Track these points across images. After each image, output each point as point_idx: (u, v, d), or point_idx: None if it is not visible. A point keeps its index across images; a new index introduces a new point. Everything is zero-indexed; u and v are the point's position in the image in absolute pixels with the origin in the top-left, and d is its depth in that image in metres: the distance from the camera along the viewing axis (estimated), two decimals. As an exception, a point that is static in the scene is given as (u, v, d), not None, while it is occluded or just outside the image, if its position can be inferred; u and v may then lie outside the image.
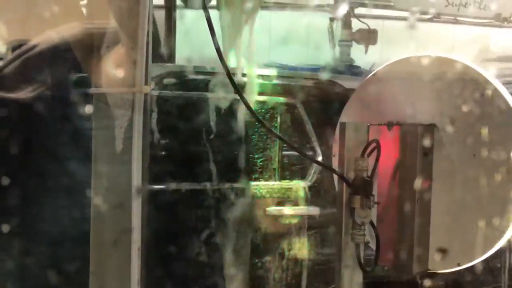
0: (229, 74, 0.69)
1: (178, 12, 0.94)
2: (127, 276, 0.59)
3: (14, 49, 0.75)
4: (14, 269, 0.75)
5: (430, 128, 0.80)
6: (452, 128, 0.78)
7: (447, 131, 0.79)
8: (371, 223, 0.79)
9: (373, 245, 0.78)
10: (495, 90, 0.76)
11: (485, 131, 0.75)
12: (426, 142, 0.80)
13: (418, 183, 0.79)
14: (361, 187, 0.78)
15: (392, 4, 1.17)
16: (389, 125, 0.82)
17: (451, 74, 0.79)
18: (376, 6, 1.21)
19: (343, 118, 0.87)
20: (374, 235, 0.78)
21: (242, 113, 0.94)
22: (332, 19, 1.46)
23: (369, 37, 1.47)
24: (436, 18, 1.23)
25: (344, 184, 0.77)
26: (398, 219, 0.81)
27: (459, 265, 0.77)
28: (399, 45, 0.95)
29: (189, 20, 0.94)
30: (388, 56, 0.84)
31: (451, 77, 0.79)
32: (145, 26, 0.59)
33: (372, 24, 1.30)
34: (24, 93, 0.71)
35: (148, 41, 0.59)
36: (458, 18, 1.23)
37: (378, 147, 0.78)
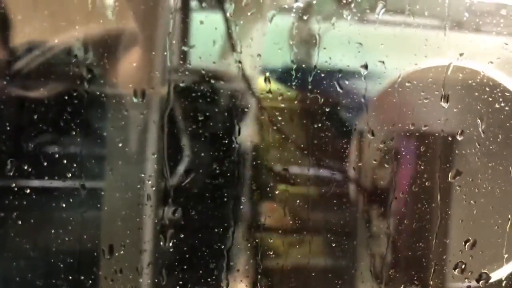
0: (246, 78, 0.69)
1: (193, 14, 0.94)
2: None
3: (28, 50, 0.76)
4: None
5: (452, 138, 0.80)
6: (475, 138, 0.78)
7: (469, 141, 0.78)
8: (388, 234, 0.78)
9: (390, 258, 0.77)
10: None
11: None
12: (448, 151, 0.79)
13: (437, 194, 0.78)
14: (379, 196, 0.77)
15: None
16: (409, 133, 0.81)
17: (475, 84, 0.78)
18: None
19: (361, 125, 0.86)
20: (390, 247, 0.77)
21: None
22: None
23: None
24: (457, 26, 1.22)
25: (360, 194, 0.77)
26: (416, 232, 0.80)
27: (477, 281, 0.77)
28: (419, 52, 0.94)
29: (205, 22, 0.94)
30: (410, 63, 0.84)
31: (475, 87, 0.78)
32: (163, 28, 0.59)
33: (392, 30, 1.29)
34: (43, 93, 0.72)
35: (167, 42, 0.59)
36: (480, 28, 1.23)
37: (397, 156, 0.77)
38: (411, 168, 0.79)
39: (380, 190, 0.79)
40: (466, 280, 0.77)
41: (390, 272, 0.79)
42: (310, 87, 0.86)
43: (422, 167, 0.79)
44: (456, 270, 0.77)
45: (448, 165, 0.79)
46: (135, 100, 0.62)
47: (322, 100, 0.86)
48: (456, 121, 0.78)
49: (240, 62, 0.73)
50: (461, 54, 0.80)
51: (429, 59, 0.81)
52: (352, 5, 0.89)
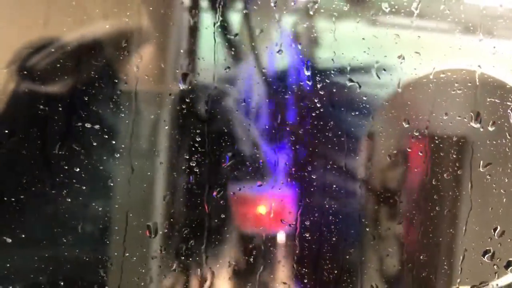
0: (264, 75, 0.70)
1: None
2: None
3: (40, 47, 0.76)
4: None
5: (461, 140, 0.80)
6: (483, 141, 0.78)
7: (478, 143, 0.78)
8: (397, 235, 0.78)
9: (397, 259, 0.77)
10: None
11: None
12: (456, 154, 0.79)
13: (447, 196, 0.78)
14: (387, 198, 0.77)
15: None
16: (419, 136, 0.81)
17: (484, 87, 0.78)
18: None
19: (372, 127, 0.86)
20: (399, 249, 0.77)
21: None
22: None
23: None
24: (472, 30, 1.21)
25: (370, 195, 0.77)
26: (425, 234, 0.80)
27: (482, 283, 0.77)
28: (434, 56, 0.94)
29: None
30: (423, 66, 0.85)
31: (483, 90, 0.78)
32: (175, 27, 0.59)
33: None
34: (57, 88, 0.72)
35: (179, 40, 0.60)
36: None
37: (406, 158, 0.77)
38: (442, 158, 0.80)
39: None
40: (495, 266, 0.77)
41: (421, 257, 0.79)
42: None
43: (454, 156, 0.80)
44: (486, 257, 0.77)
45: (479, 155, 0.79)
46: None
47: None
48: (488, 113, 0.78)
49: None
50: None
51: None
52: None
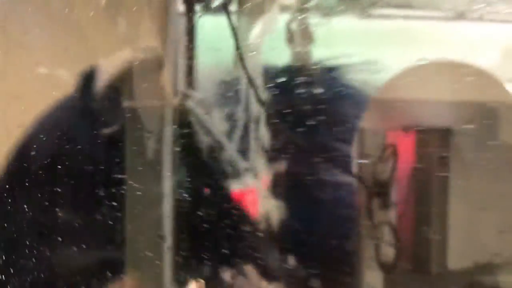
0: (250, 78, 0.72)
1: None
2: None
3: (84, 76, 0.78)
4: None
5: (446, 132, 0.83)
6: (467, 132, 0.81)
7: (462, 135, 0.82)
8: (390, 224, 0.82)
9: (393, 246, 0.81)
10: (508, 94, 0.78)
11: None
12: (442, 145, 0.82)
13: (434, 185, 0.82)
14: (378, 189, 0.81)
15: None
16: (406, 129, 0.84)
17: (467, 79, 0.81)
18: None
19: (363, 123, 0.89)
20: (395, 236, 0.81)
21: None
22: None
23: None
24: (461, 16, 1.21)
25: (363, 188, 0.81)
26: (417, 221, 0.84)
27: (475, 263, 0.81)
28: (422, 46, 0.96)
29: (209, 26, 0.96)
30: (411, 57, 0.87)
31: (467, 82, 0.81)
32: (174, 40, 0.62)
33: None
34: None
35: (178, 55, 0.62)
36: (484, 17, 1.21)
37: (395, 151, 0.81)
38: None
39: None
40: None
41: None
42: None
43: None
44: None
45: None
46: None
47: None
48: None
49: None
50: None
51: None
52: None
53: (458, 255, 0.82)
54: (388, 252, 0.83)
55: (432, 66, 0.85)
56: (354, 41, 1.05)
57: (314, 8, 0.95)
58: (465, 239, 0.82)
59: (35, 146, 0.70)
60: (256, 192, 0.82)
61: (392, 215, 0.83)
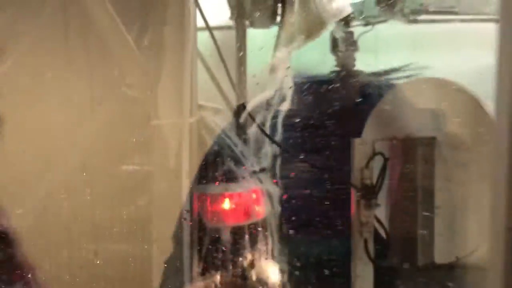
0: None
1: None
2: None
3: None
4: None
5: (431, 141, 0.94)
6: (448, 142, 0.91)
7: (444, 145, 0.92)
8: (378, 221, 0.93)
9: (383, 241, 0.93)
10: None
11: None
12: (426, 152, 0.93)
13: (420, 188, 0.93)
14: (364, 192, 0.93)
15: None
16: (394, 139, 0.95)
17: (449, 95, 0.91)
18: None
19: (364, 134, 0.98)
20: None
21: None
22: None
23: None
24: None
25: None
26: (406, 218, 0.95)
27: (457, 258, 0.92)
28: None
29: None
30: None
31: (449, 98, 0.92)
32: (189, 62, 0.72)
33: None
34: None
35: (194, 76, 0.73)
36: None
37: (384, 158, 0.92)
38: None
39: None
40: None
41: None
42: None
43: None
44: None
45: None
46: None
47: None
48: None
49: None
50: None
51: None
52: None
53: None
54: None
55: (420, 83, 0.94)
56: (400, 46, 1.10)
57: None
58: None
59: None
60: (260, 192, 0.91)
61: (384, 213, 0.94)
